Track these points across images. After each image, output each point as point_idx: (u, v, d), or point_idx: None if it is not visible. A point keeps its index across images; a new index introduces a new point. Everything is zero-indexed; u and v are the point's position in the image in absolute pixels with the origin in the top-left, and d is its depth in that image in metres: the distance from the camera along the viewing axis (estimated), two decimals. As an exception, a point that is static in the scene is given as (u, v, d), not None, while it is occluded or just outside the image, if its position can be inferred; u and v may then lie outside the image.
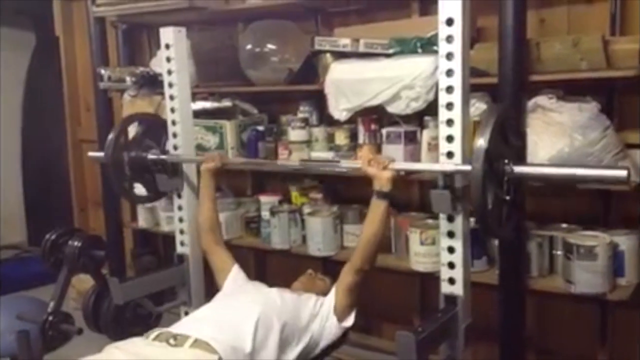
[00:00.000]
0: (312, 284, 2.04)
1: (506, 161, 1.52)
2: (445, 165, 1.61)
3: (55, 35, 3.82)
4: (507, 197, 1.53)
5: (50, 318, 2.39)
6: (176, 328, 1.67)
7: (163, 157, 2.27)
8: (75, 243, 2.50)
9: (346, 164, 2.02)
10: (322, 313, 1.83)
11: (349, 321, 1.85)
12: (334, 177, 2.57)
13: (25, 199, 4.67)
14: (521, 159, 1.61)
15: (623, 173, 1.40)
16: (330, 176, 2.58)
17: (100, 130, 3.25)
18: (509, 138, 1.56)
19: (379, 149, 2.36)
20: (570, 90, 2.06)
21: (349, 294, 1.82)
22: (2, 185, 4.50)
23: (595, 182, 1.62)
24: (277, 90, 2.66)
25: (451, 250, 1.65)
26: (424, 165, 1.85)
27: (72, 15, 3.79)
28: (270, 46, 2.70)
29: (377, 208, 1.76)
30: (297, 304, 1.82)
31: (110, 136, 2.21)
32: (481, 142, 1.44)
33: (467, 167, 1.53)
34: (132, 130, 2.39)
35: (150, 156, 2.27)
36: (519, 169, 1.53)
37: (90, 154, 2.49)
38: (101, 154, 2.25)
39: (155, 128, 2.33)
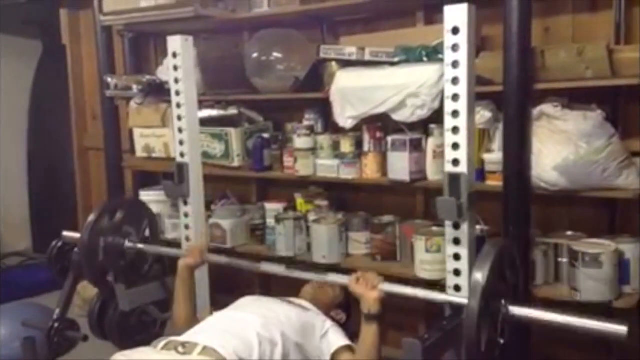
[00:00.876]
0: (322, 291, 2.04)
1: (503, 301, 1.48)
2: (441, 295, 1.64)
3: (62, 43, 3.86)
4: (501, 341, 1.49)
5: (56, 325, 2.39)
6: (183, 337, 1.68)
7: (140, 246, 2.26)
8: (82, 250, 2.50)
9: (333, 277, 1.90)
10: (325, 340, 1.81)
11: None
12: (340, 184, 2.57)
13: (30, 206, 4.68)
14: (517, 298, 1.56)
15: (624, 330, 1.36)
16: (335, 183, 2.59)
17: (106, 138, 3.26)
18: (506, 274, 1.53)
19: (384, 157, 2.37)
20: (575, 98, 2.07)
21: None
22: (7, 193, 4.52)
23: (593, 333, 1.50)
24: (282, 98, 2.68)
25: (457, 257, 1.65)
26: (417, 290, 1.72)
27: (79, 23, 3.82)
28: (276, 54, 2.72)
29: (368, 333, 1.68)
30: (302, 318, 1.81)
31: (90, 219, 2.19)
32: (479, 277, 1.40)
33: (464, 301, 1.50)
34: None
35: (128, 244, 2.26)
36: (514, 310, 1.49)
37: (65, 233, 2.45)
38: (77, 234, 2.24)
39: (136, 214, 2.33)
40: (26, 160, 4.67)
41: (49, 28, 4.16)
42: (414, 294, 1.74)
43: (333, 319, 1.93)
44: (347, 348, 1.80)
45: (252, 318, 1.74)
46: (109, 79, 3.03)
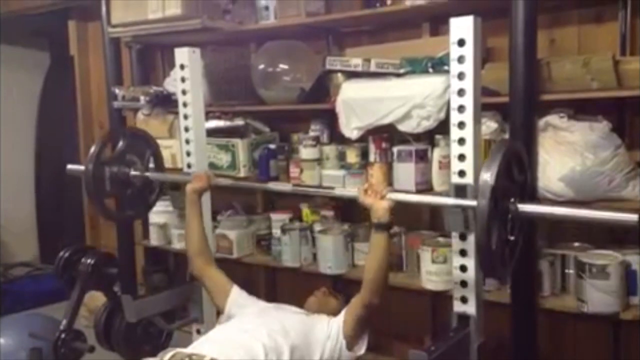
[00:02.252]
0: (326, 301, 2.04)
1: (512, 199, 1.48)
2: (449, 199, 1.61)
3: (70, 54, 3.89)
4: (512, 238, 1.49)
5: (63, 336, 2.40)
6: (190, 348, 1.68)
7: (146, 174, 2.26)
8: (89, 261, 2.51)
9: (340, 191, 1.94)
10: (332, 336, 1.79)
11: (360, 350, 1.80)
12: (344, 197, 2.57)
13: (37, 216, 4.70)
14: (525, 196, 1.55)
15: (634, 217, 1.35)
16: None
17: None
18: (514, 174, 1.53)
19: (390, 167, 2.37)
20: (581, 109, 2.07)
21: (358, 325, 1.77)
22: (15, 203, 4.54)
23: (603, 223, 1.56)
24: (288, 109, 2.69)
25: (463, 268, 1.65)
26: (426, 197, 1.78)
27: (87, 35, 3.86)
28: (282, 66, 2.73)
29: (378, 241, 1.69)
30: (307, 325, 1.81)
31: (92, 150, 2.15)
32: (487, 178, 1.40)
33: (473, 203, 1.49)
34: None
35: (133, 172, 2.24)
36: (523, 207, 1.48)
37: (70, 166, 2.34)
38: (81, 167, 2.18)
39: (139, 143, 2.31)
40: (33, 171, 4.69)
41: (57, 39, 4.20)
42: (420, 200, 1.82)
43: None
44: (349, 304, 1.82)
45: (257, 328, 1.74)
46: (117, 90, 3.05)
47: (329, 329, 1.81)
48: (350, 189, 1.82)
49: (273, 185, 2.37)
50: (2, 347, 2.78)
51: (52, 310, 3.23)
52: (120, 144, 2.25)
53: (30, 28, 4.35)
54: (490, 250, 1.41)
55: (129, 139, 2.29)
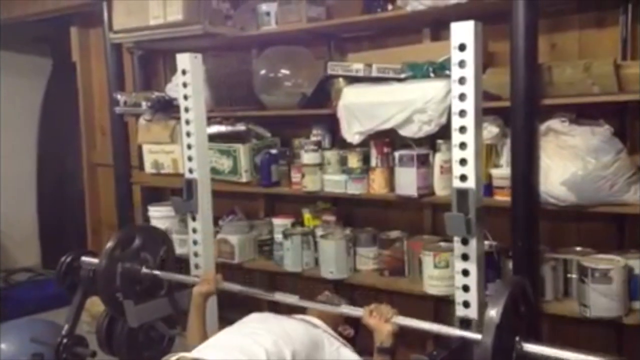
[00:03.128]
0: (329, 313, 2.02)
1: (517, 338, 1.45)
2: (454, 330, 1.60)
3: (72, 60, 3.90)
4: None
5: (65, 341, 2.38)
6: (193, 353, 1.68)
7: (156, 272, 2.26)
8: (91, 266, 2.51)
9: (347, 309, 1.85)
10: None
11: None
12: (347, 199, 2.58)
13: (39, 222, 4.71)
14: (531, 331, 1.54)
15: None
16: (343, 198, 2.60)
17: (115, 155, 3.29)
18: (520, 310, 1.51)
19: (391, 172, 2.38)
20: (582, 113, 2.07)
21: None
22: (17, 208, 4.55)
23: None
24: (290, 114, 2.69)
25: (465, 273, 1.65)
26: (432, 325, 1.68)
27: (88, 41, 3.87)
28: (283, 71, 2.74)
29: None
30: (312, 335, 1.80)
31: (108, 245, 2.19)
32: (493, 314, 1.37)
33: (478, 337, 1.45)
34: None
35: (144, 270, 2.25)
36: (528, 346, 1.45)
37: (84, 259, 2.41)
38: (95, 260, 2.25)
39: (153, 241, 2.32)
40: (35, 176, 4.70)
41: (59, 45, 4.22)
42: (429, 329, 1.70)
43: (341, 334, 1.92)
44: None
45: (260, 334, 1.73)
46: (119, 96, 3.06)
47: (333, 345, 1.80)
48: (355, 308, 1.79)
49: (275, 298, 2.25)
50: (4, 353, 2.78)
51: (53, 315, 3.23)
52: (136, 241, 2.27)
53: (32, 34, 4.37)
54: None
55: (145, 235, 2.31)
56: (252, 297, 2.10)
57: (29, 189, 4.68)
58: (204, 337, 1.98)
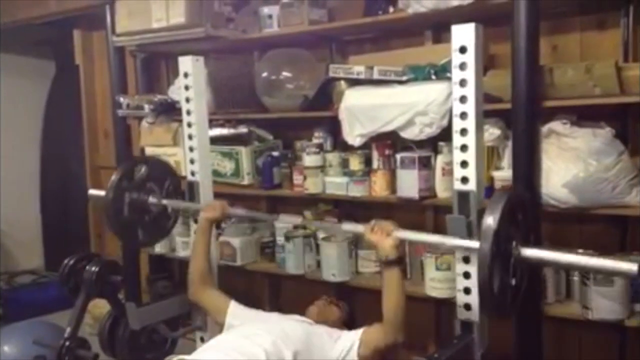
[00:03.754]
0: (327, 310, 2.04)
1: (514, 243, 1.47)
2: (453, 240, 1.61)
3: (75, 63, 3.91)
4: (513, 282, 1.48)
5: (67, 343, 2.40)
6: (193, 355, 1.68)
7: (164, 201, 2.29)
8: (93, 268, 2.51)
9: (348, 227, 1.92)
10: (338, 348, 1.77)
11: None
12: (349, 201, 2.58)
13: (43, 224, 4.72)
14: (527, 239, 1.54)
15: (634, 268, 1.34)
16: (345, 200, 2.60)
17: (118, 157, 3.30)
18: (518, 217, 1.52)
19: (393, 174, 2.38)
20: (584, 115, 2.07)
21: (377, 354, 1.75)
22: (20, 211, 4.57)
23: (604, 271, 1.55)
24: (292, 116, 2.70)
25: (467, 275, 1.65)
26: (433, 237, 1.75)
27: (92, 44, 3.88)
28: (285, 74, 2.75)
29: (391, 278, 1.70)
30: (311, 334, 1.80)
31: (114, 177, 2.21)
32: (490, 221, 1.38)
33: (475, 245, 1.49)
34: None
35: (151, 199, 2.28)
36: (526, 251, 1.47)
37: (91, 191, 2.48)
38: (102, 192, 2.26)
39: (159, 172, 2.34)
40: (39, 179, 4.72)
41: (62, 49, 4.23)
42: (427, 240, 1.80)
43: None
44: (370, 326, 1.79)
45: (259, 333, 1.74)
46: (121, 99, 3.07)
47: (332, 336, 1.80)
48: (357, 225, 1.83)
49: (282, 217, 2.43)
50: (6, 355, 2.79)
51: (56, 318, 3.24)
52: (142, 170, 2.30)
53: (35, 37, 4.39)
54: (492, 295, 1.39)
55: (150, 166, 2.34)
56: (253, 296, 2.11)
57: (32, 191, 4.70)
58: (206, 267, 2.09)
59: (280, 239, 2.76)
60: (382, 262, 1.71)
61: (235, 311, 1.96)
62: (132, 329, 2.39)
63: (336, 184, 2.53)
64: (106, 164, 3.76)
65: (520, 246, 1.47)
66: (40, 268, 4.63)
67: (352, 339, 1.76)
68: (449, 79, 1.87)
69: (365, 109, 2.34)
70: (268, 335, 1.71)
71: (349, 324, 2.01)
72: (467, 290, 1.65)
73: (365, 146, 2.45)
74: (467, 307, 1.65)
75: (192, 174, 2.31)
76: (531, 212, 1.62)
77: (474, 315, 1.64)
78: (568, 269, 2.02)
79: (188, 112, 2.29)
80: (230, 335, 1.82)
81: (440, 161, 2.26)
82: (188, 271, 2.11)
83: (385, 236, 1.70)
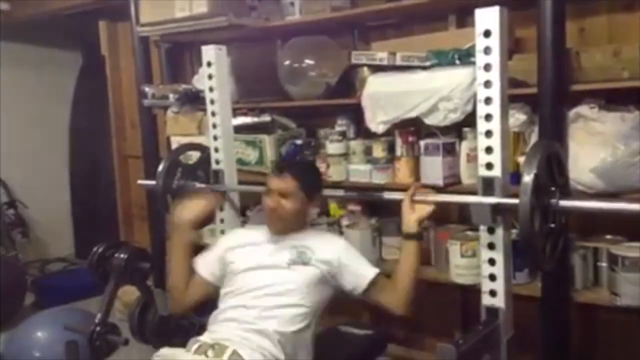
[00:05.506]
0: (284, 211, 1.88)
1: (552, 195, 1.50)
2: (492, 198, 1.59)
3: (101, 54, 3.97)
4: (553, 227, 1.51)
5: (98, 329, 2.44)
6: (213, 336, 1.73)
7: (213, 186, 2.30)
8: (122, 255, 2.55)
9: (391, 196, 1.96)
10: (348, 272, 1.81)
11: None
12: (372, 189, 2.58)
13: (72, 213, 4.82)
14: (566, 193, 1.58)
15: None
16: (368, 188, 2.59)
17: (144, 147, 3.34)
18: (554, 172, 1.54)
19: (417, 161, 2.37)
20: (611, 99, 2.03)
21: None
22: (51, 201, 4.68)
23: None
24: (315, 104, 2.70)
25: (492, 262, 1.64)
26: (451, 197, 1.82)
27: (117, 35, 3.93)
28: (308, 61, 2.75)
29: (408, 250, 1.77)
30: (310, 278, 1.78)
31: (162, 165, 2.26)
32: (528, 175, 1.42)
33: (515, 201, 1.50)
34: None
35: (198, 185, 2.32)
36: (564, 202, 1.51)
37: (140, 182, 2.56)
38: (152, 182, 2.32)
39: (205, 160, 2.37)
40: (68, 169, 4.81)
41: (88, 40, 4.29)
42: (450, 200, 1.90)
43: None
44: (380, 275, 1.83)
45: (261, 298, 1.76)
46: (146, 89, 3.10)
47: (335, 257, 1.81)
48: (398, 193, 1.88)
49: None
50: (39, 340, 2.88)
51: (87, 304, 3.32)
52: (192, 157, 2.38)
53: (62, 29, 4.46)
54: (535, 244, 1.43)
55: (202, 150, 2.40)
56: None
57: (62, 181, 4.80)
58: (190, 271, 1.96)
59: (304, 226, 2.77)
60: (403, 235, 1.77)
61: (213, 275, 1.94)
62: (161, 315, 2.43)
63: (360, 172, 2.53)
64: (133, 153, 3.82)
65: (558, 198, 1.50)
66: (70, 256, 4.73)
67: (362, 276, 1.80)
68: (474, 63, 1.84)
69: (388, 96, 2.33)
70: (271, 295, 1.77)
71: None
72: (492, 277, 1.64)
73: (389, 133, 2.44)
74: (493, 293, 1.64)
75: (217, 162, 2.33)
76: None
77: (499, 301, 1.63)
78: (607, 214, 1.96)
79: (212, 101, 2.30)
80: (244, 307, 1.79)
81: (464, 147, 2.25)
82: (172, 283, 1.99)
83: (412, 211, 1.75)
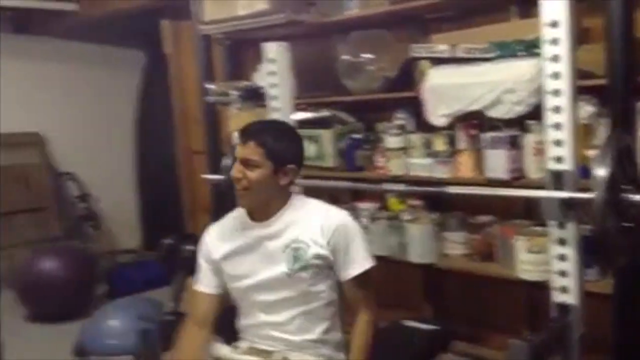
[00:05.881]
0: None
1: (625, 189, 1.48)
2: (563, 193, 1.56)
3: (165, 52, 4.08)
4: (629, 225, 1.49)
5: (169, 318, 2.54)
6: (255, 343, 1.69)
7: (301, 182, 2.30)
8: (189, 247, 2.64)
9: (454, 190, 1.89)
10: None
11: None
12: (433, 183, 2.56)
13: (140, 206, 5.00)
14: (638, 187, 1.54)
15: None
16: (429, 183, 2.58)
17: (207, 142, 3.42)
18: (625, 166, 1.51)
19: (479, 155, 2.34)
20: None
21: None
22: (120, 195, 4.88)
23: None
24: (373, 98, 2.70)
25: (562, 258, 1.61)
26: (535, 192, 1.66)
27: (180, 33, 4.02)
28: (366, 55, 2.75)
29: None
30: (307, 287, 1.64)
31: (225, 160, 2.35)
32: (602, 169, 1.41)
33: (588, 195, 1.48)
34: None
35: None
36: (636, 197, 1.47)
37: (204, 176, 2.65)
38: (216, 176, 2.42)
39: None
40: (136, 165, 4.99)
41: (152, 38, 4.42)
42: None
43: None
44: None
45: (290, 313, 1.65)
46: (209, 86, 3.17)
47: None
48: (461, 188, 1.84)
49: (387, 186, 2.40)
50: (114, 329, 3.01)
51: (156, 294, 3.45)
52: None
53: (126, 29, 4.61)
54: (608, 243, 1.43)
55: None
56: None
57: (130, 176, 4.99)
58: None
59: (363, 221, 2.78)
60: None
61: (221, 287, 1.76)
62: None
63: (420, 166, 2.52)
64: (198, 149, 3.91)
65: (630, 192, 1.47)
66: (138, 247, 4.92)
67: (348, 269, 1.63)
68: (537, 55, 1.81)
69: (449, 88, 2.31)
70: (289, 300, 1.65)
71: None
72: (563, 273, 1.61)
73: (449, 126, 2.41)
74: (564, 289, 1.62)
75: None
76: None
77: (571, 297, 1.60)
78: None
79: (273, 98, 2.35)
80: (262, 315, 1.69)
81: (530, 140, 2.20)
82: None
83: None
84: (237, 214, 1.73)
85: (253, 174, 1.60)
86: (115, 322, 3.03)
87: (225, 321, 1.95)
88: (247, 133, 1.63)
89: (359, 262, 1.63)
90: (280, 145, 1.63)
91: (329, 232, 1.61)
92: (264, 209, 1.66)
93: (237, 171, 1.62)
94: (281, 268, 1.62)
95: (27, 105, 4.50)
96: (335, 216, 1.67)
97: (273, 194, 1.64)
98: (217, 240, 1.74)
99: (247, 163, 1.60)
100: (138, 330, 2.51)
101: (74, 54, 4.68)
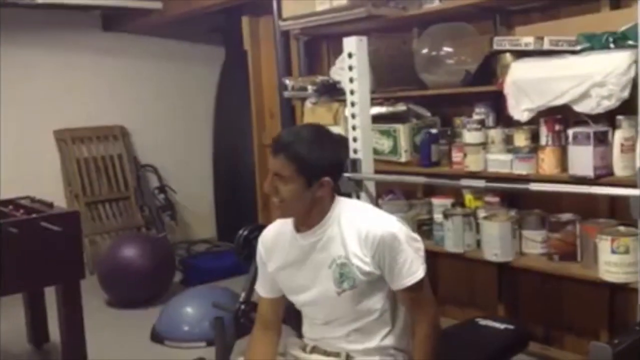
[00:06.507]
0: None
1: None
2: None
3: (243, 49, 4.18)
4: None
5: (242, 307, 2.60)
6: (321, 344, 1.65)
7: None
8: (263, 238, 2.70)
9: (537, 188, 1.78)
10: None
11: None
12: (512, 179, 2.49)
13: (215, 198, 5.15)
14: None
15: None
16: (507, 179, 2.51)
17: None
18: None
19: (563, 151, 2.25)
20: None
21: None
22: (196, 187, 5.05)
23: None
24: (451, 92, 2.65)
25: (652, 259, 1.53)
26: (624, 190, 1.57)
27: (258, 30, 4.12)
28: (446, 49, 2.71)
29: None
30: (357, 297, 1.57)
31: None
32: None
33: None
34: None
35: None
36: None
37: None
38: None
39: None
40: (212, 158, 5.14)
41: (231, 35, 4.54)
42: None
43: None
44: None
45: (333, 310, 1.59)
46: (287, 81, 3.23)
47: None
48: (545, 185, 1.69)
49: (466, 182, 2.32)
50: (190, 315, 3.12)
51: (229, 283, 3.54)
52: None
53: (206, 26, 4.77)
54: None
55: None
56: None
57: (206, 169, 5.15)
58: None
59: (438, 217, 2.74)
60: None
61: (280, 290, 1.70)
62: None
63: (499, 162, 2.45)
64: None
65: None
66: (213, 238, 5.07)
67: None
68: (630, 47, 1.72)
69: (534, 82, 2.23)
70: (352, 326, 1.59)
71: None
72: (652, 275, 1.53)
73: (531, 121, 2.34)
74: (652, 292, 1.53)
75: (355, 151, 2.39)
76: None
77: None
78: None
79: (351, 92, 2.36)
80: (318, 323, 1.65)
81: (619, 136, 2.09)
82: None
83: None
84: (288, 219, 1.65)
85: (285, 189, 1.50)
86: (190, 309, 3.12)
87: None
88: (278, 144, 1.52)
89: (408, 275, 1.52)
90: (314, 156, 1.50)
91: (373, 246, 1.50)
92: (303, 220, 1.57)
93: (268, 185, 1.54)
94: (330, 286, 1.54)
95: (113, 100, 4.73)
96: (380, 226, 1.52)
97: (311, 206, 1.54)
98: (270, 251, 1.69)
99: (279, 176, 1.50)
100: (212, 318, 2.58)
101: (158, 51, 4.88)
